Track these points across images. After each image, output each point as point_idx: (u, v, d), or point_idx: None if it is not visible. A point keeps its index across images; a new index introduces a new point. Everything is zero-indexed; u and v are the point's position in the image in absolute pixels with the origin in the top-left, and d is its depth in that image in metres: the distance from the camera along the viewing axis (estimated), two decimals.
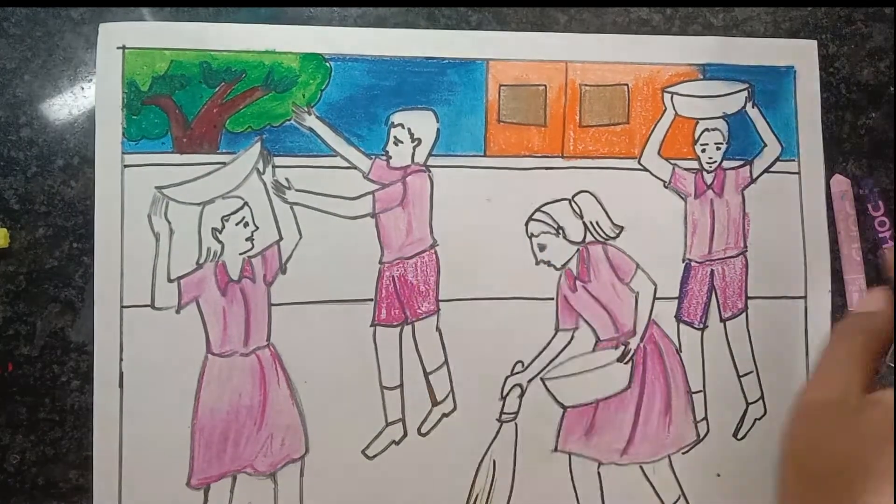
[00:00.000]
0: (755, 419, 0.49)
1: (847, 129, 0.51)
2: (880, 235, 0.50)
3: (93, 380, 0.45)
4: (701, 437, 0.48)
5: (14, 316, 0.45)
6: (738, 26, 0.51)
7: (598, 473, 0.47)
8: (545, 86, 0.48)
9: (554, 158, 0.48)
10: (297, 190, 0.47)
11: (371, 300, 0.47)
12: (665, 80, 0.49)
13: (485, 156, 0.48)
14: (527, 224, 0.48)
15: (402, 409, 0.46)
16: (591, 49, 0.49)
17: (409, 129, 0.47)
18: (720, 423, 0.49)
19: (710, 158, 0.49)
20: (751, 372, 0.49)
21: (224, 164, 0.46)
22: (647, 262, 0.48)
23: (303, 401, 0.46)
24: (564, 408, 0.47)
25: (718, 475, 0.48)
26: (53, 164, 0.46)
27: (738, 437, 0.49)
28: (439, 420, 0.47)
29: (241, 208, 0.46)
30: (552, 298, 0.48)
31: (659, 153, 0.49)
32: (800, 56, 0.50)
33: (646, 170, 0.49)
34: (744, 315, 0.49)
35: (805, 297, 0.49)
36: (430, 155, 0.48)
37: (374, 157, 0.47)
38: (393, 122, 0.47)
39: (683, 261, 0.49)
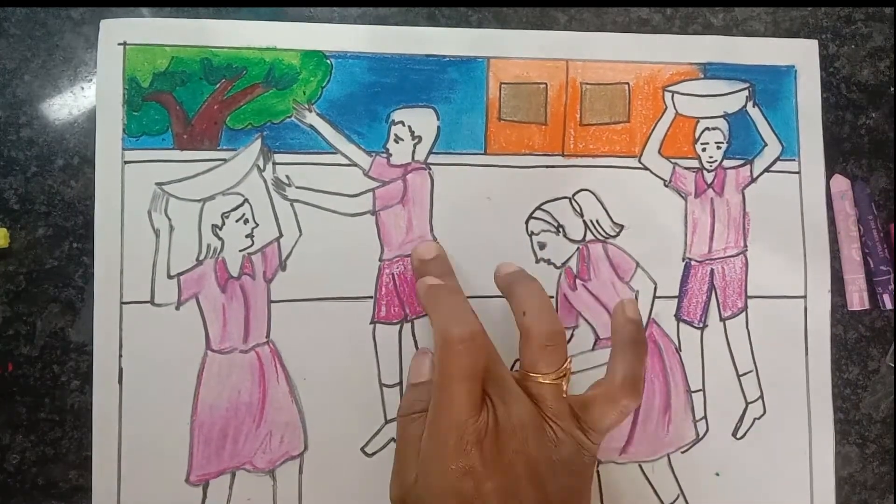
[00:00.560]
0: (754, 418, 0.49)
1: (847, 129, 0.51)
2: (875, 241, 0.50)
3: (93, 379, 0.45)
4: (700, 436, 0.48)
5: (14, 316, 0.45)
6: (738, 26, 0.51)
7: (597, 472, 0.47)
8: (546, 84, 0.49)
9: (554, 157, 0.48)
10: (297, 187, 0.47)
11: (371, 297, 0.47)
12: (666, 79, 0.49)
13: (485, 154, 0.48)
14: (527, 222, 0.48)
15: None
16: (592, 47, 0.49)
17: (409, 127, 0.47)
18: (719, 422, 0.49)
19: (711, 157, 0.49)
20: (750, 371, 0.49)
21: (224, 160, 0.46)
22: (647, 261, 0.48)
23: (302, 398, 0.46)
24: None
25: (717, 474, 0.48)
26: (53, 164, 0.46)
27: (738, 436, 0.49)
28: None
29: (242, 205, 0.46)
30: (552, 297, 0.48)
31: (659, 152, 0.49)
32: (801, 56, 0.50)
33: (646, 168, 0.49)
34: (743, 314, 0.49)
35: (805, 297, 0.49)
36: (430, 153, 0.48)
37: (374, 154, 0.47)
38: (393, 120, 0.47)
39: (683, 260, 0.49)
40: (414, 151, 0.48)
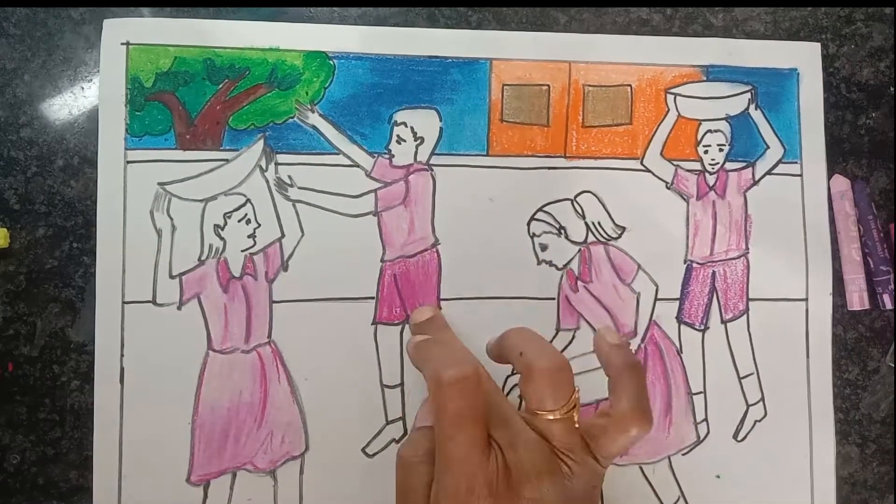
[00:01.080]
0: (755, 421, 0.49)
1: (847, 129, 0.51)
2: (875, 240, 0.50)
3: (93, 380, 0.45)
4: (701, 438, 0.48)
5: (14, 316, 0.45)
6: (737, 26, 0.51)
7: None
8: (548, 85, 0.49)
9: (556, 158, 0.48)
10: (299, 187, 0.47)
11: (372, 298, 0.47)
12: (668, 82, 0.49)
13: (487, 155, 0.48)
14: (529, 224, 0.48)
15: (403, 407, 0.46)
16: (594, 49, 0.49)
17: (412, 128, 0.47)
18: (720, 424, 0.49)
19: (713, 160, 0.49)
20: (751, 374, 0.49)
21: (227, 160, 0.46)
22: (648, 263, 0.48)
23: (303, 398, 0.46)
24: None
25: (718, 476, 0.48)
26: (53, 164, 0.46)
27: (739, 438, 0.49)
28: None
29: (244, 205, 0.46)
30: (553, 298, 0.48)
31: (661, 154, 0.49)
32: (803, 58, 0.50)
33: (648, 171, 0.49)
34: (745, 317, 0.49)
35: (806, 300, 0.49)
36: (432, 154, 0.48)
37: (376, 155, 0.47)
38: (396, 121, 0.47)
39: (685, 262, 0.49)
40: (416, 152, 0.47)
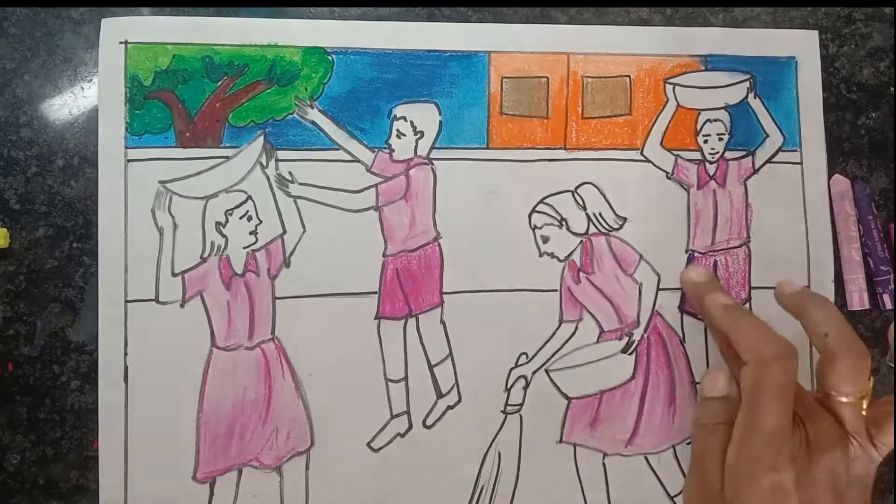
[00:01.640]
0: None
1: (847, 129, 0.51)
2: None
3: (93, 380, 0.45)
4: None
5: (14, 316, 0.45)
6: (737, 26, 0.51)
7: (603, 464, 0.47)
8: (547, 78, 0.49)
9: (556, 150, 0.48)
10: (300, 183, 0.47)
11: (375, 293, 0.47)
12: (667, 72, 0.49)
13: (487, 148, 0.48)
14: (530, 216, 0.48)
15: (407, 401, 0.46)
16: (592, 41, 0.49)
17: (411, 122, 0.47)
18: None
19: (713, 149, 0.49)
20: None
21: (227, 158, 0.46)
22: (650, 253, 0.48)
23: (308, 394, 0.46)
24: (569, 399, 0.47)
25: None
26: (53, 164, 0.46)
27: None
28: (444, 412, 0.47)
29: (245, 202, 0.46)
30: (556, 290, 0.48)
31: (661, 144, 0.49)
32: (801, 47, 0.50)
33: (648, 161, 0.49)
34: (747, 305, 0.49)
35: (808, 287, 0.49)
36: (432, 147, 0.48)
37: (376, 150, 0.47)
38: (395, 115, 0.47)
39: (687, 251, 0.49)
40: (416, 146, 0.48)
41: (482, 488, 0.46)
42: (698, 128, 0.49)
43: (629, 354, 0.48)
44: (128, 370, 0.45)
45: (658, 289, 0.48)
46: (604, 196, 0.48)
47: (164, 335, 0.45)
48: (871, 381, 0.39)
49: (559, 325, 0.48)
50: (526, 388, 0.47)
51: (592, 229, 0.48)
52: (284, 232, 0.46)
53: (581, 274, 0.48)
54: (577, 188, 0.48)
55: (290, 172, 0.47)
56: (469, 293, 0.47)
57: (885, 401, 0.40)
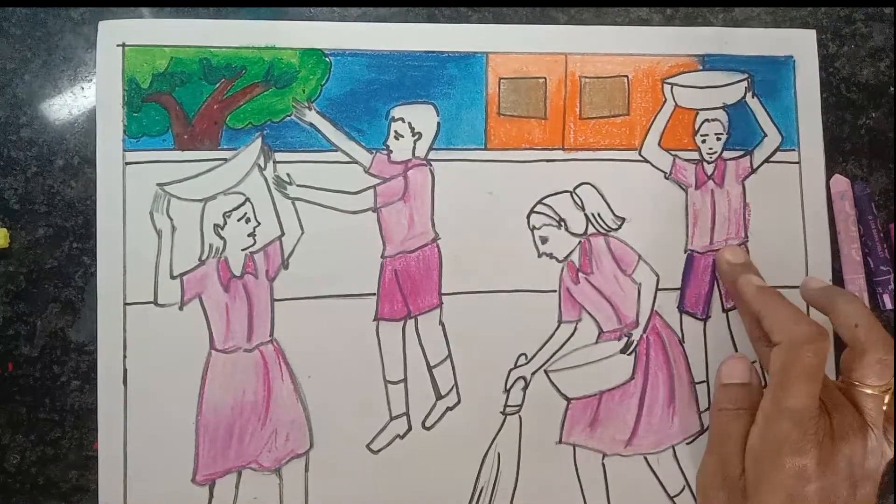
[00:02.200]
0: None
1: (847, 129, 0.51)
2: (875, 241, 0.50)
3: (93, 379, 0.45)
4: (705, 427, 0.48)
5: (14, 316, 0.45)
6: (738, 26, 0.51)
7: (603, 465, 0.47)
8: (545, 78, 0.49)
9: (555, 151, 0.48)
10: (298, 185, 0.47)
11: (373, 295, 0.47)
12: (665, 72, 0.49)
13: (485, 149, 0.48)
14: (528, 217, 0.48)
15: (406, 403, 0.46)
16: (590, 41, 0.49)
17: (409, 124, 0.47)
18: None
19: (711, 149, 0.49)
20: (754, 362, 0.48)
21: (225, 160, 0.46)
22: (649, 254, 0.48)
23: (307, 396, 0.46)
24: (568, 400, 0.47)
25: None
26: (53, 164, 0.46)
27: None
28: (443, 414, 0.47)
29: (243, 204, 0.46)
30: (555, 291, 0.48)
31: (659, 144, 0.49)
32: (798, 46, 0.50)
33: (646, 161, 0.49)
34: None
35: None
36: (430, 149, 0.48)
37: (374, 151, 0.47)
38: (393, 117, 0.47)
39: (685, 251, 0.49)
40: (414, 148, 0.48)
41: (482, 489, 0.46)
42: (696, 128, 0.49)
43: (628, 355, 0.48)
44: (127, 373, 0.45)
45: (657, 289, 0.48)
46: (602, 196, 0.48)
47: (162, 338, 0.45)
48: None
49: (558, 326, 0.48)
50: (525, 388, 0.47)
51: (591, 230, 0.48)
52: (283, 234, 0.46)
53: (580, 274, 0.48)
54: (575, 188, 0.48)
55: (288, 174, 0.47)
56: (468, 294, 0.47)
57: None
